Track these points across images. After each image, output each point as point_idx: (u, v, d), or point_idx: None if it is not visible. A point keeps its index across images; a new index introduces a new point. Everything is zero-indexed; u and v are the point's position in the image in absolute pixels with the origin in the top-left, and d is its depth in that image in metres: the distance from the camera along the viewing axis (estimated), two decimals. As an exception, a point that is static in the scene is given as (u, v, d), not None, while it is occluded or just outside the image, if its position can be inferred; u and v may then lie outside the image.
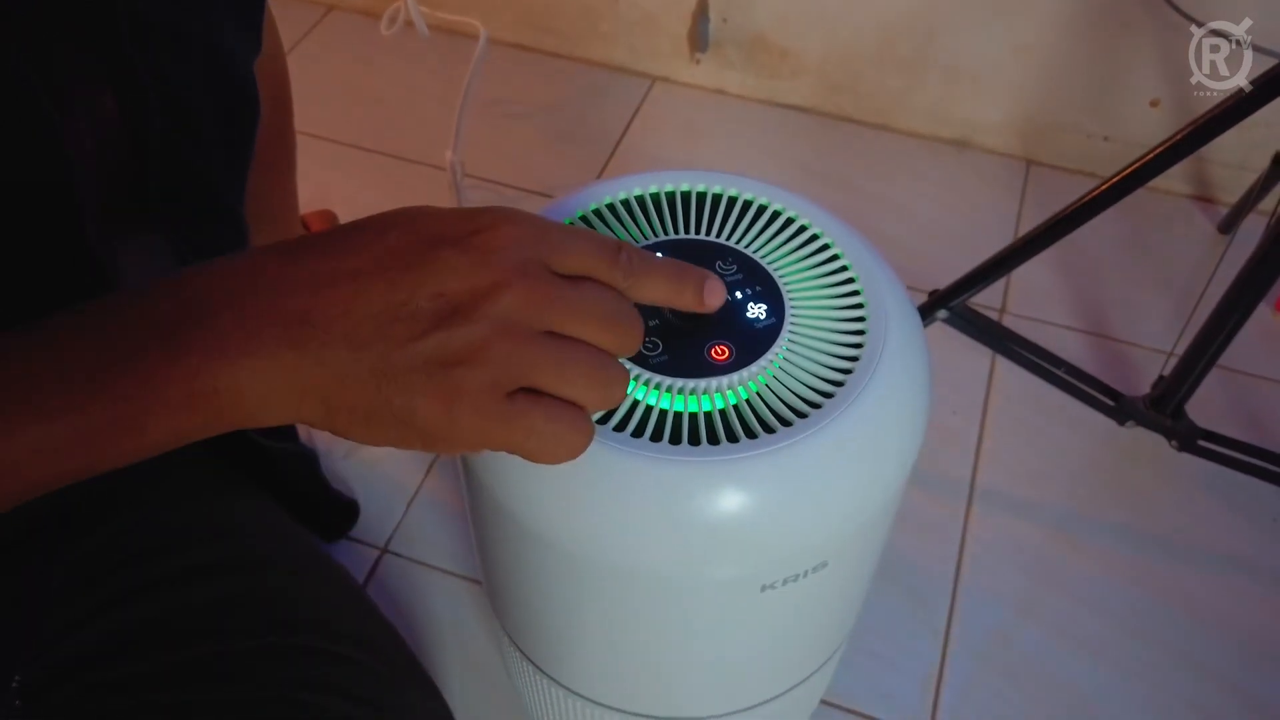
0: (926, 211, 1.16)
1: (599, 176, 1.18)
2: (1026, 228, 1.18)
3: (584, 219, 0.51)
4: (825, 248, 0.50)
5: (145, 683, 0.45)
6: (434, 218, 0.33)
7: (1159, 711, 0.79)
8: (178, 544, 0.52)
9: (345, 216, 1.08)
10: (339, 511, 0.83)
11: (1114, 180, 0.73)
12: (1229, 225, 1.12)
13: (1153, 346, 1.03)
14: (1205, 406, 0.87)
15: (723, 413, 0.43)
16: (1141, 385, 0.99)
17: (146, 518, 0.53)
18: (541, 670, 0.59)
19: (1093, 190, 0.73)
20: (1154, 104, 1.11)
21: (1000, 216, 1.15)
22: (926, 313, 0.79)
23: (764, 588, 0.45)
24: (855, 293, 0.49)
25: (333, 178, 1.16)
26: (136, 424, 0.30)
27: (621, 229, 0.51)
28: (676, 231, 0.51)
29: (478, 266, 0.31)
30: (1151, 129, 1.13)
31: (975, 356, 0.99)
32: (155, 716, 0.44)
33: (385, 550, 0.86)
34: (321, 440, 0.88)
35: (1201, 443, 0.85)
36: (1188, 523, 0.90)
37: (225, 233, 0.58)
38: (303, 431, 0.78)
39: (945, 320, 0.78)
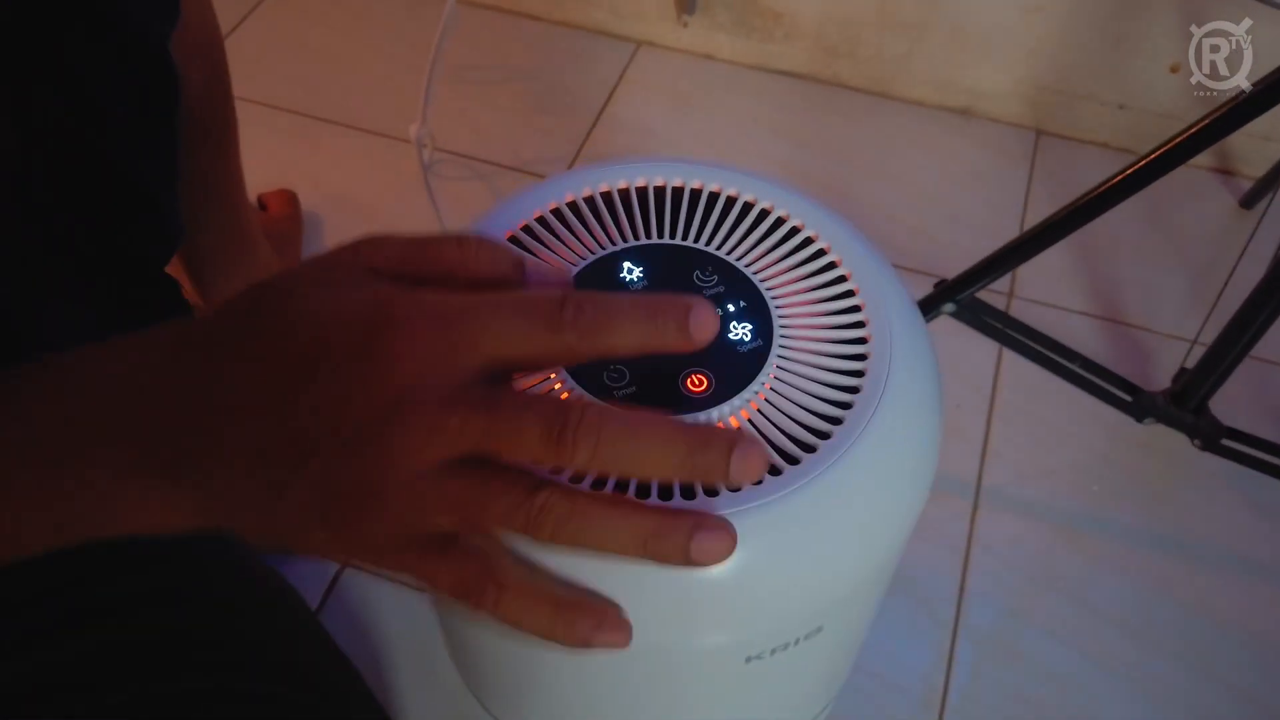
0: (928, 185, 1.09)
1: (580, 149, 1.11)
2: (1036, 202, 1.12)
3: (528, 230, 0.44)
4: (820, 253, 0.44)
5: None
6: (317, 321, 0.28)
7: (1178, 733, 0.74)
8: (114, 567, 0.47)
9: (307, 195, 1.01)
10: None
11: (1154, 156, 0.66)
12: (1252, 200, 1.05)
13: (1170, 333, 0.97)
14: (1229, 399, 0.80)
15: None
16: (1158, 376, 0.93)
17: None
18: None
19: (1128, 169, 0.67)
20: (1174, 69, 1.03)
21: (1008, 190, 1.09)
22: (931, 306, 0.72)
23: (749, 659, 0.39)
24: (855, 308, 0.42)
25: (294, 153, 1.09)
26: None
27: (576, 237, 0.44)
28: (645, 235, 0.44)
29: (368, 388, 0.27)
30: (1171, 96, 1.05)
31: (981, 345, 0.92)
32: None
33: (346, 563, 0.80)
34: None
35: (1226, 442, 0.79)
36: (1208, 525, 0.85)
37: (148, 229, 0.53)
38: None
39: (952, 314, 0.72)
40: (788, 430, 0.38)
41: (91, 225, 0.48)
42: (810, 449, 0.37)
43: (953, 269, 0.78)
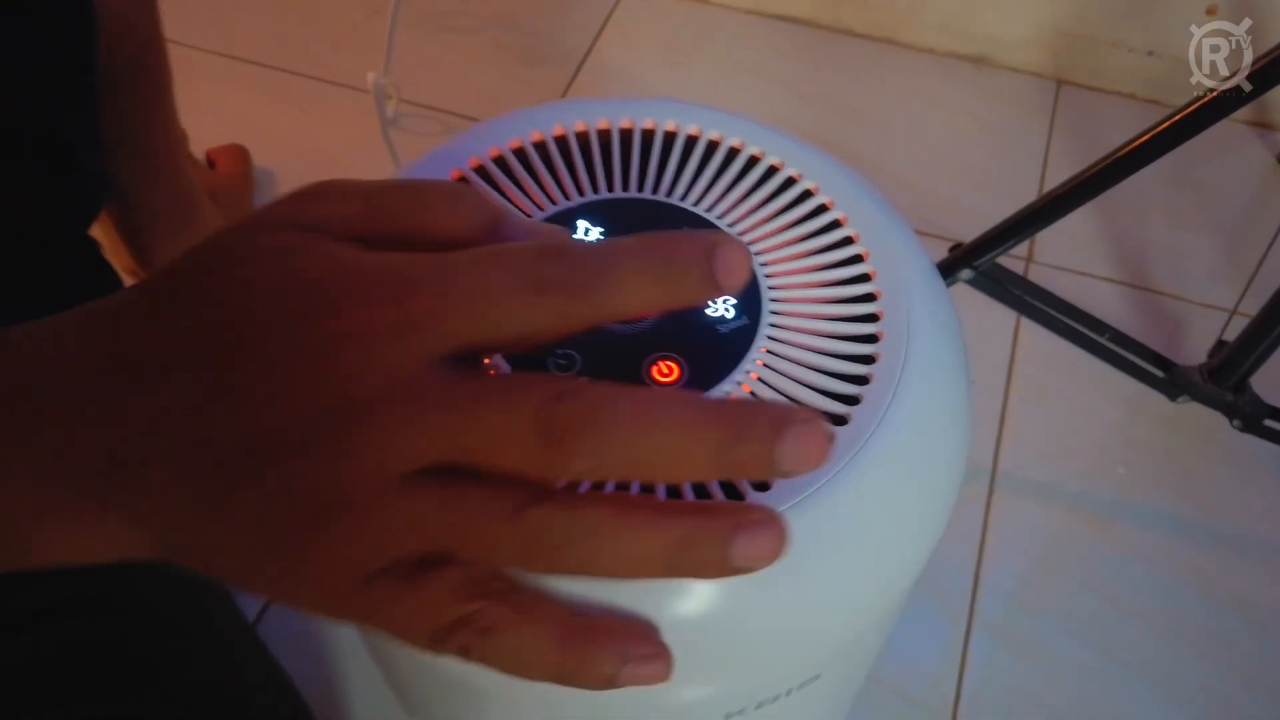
0: (939, 141, 1.01)
1: (561, 99, 1.02)
2: (1056, 159, 1.04)
3: (480, 171, 0.36)
4: (821, 209, 0.36)
5: None
6: (244, 297, 0.23)
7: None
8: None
9: (261, 151, 0.93)
10: None
11: (1190, 110, 0.59)
12: (1292, 155, 0.97)
13: (1204, 301, 0.89)
14: (1269, 373, 0.73)
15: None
16: (1192, 348, 0.85)
17: None
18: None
19: (1162, 123, 0.60)
20: (1211, 10, 0.95)
21: (1026, 145, 1.01)
22: (947, 272, 0.64)
23: (729, 716, 0.31)
24: (864, 277, 0.34)
25: (248, 105, 1.00)
26: None
27: (523, 190, 0.36)
28: (607, 188, 0.36)
29: (308, 382, 0.22)
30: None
31: (997, 313, 0.85)
32: None
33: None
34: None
35: (1269, 423, 0.72)
36: (1245, 512, 0.78)
37: (64, 184, 0.49)
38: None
39: (969, 282, 0.64)
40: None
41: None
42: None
43: (965, 231, 0.70)
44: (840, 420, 0.30)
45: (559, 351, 0.31)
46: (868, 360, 0.31)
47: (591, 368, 0.30)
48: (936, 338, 0.33)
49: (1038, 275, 0.90)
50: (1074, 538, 0.77)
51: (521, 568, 0.21)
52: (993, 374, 0.84)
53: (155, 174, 0.72)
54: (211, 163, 0.90)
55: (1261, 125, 1.02)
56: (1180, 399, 0.74)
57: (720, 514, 0.22)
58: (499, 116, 0.38)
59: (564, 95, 1.03)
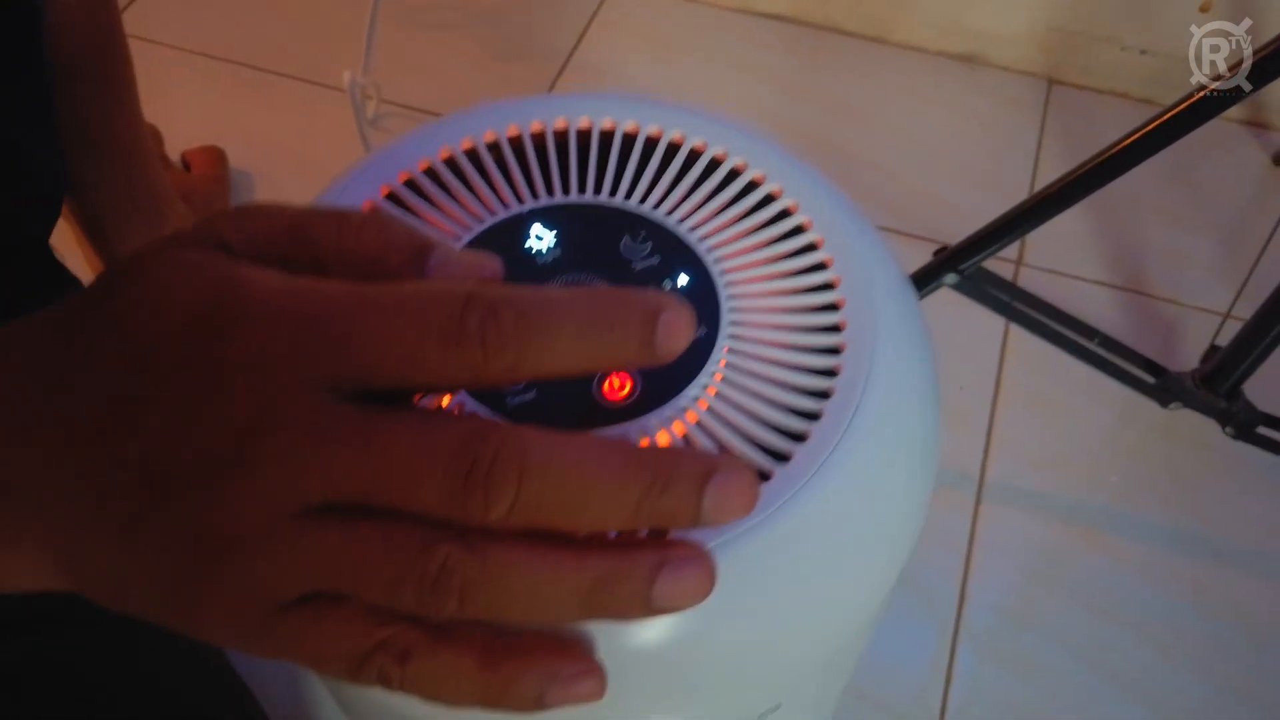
0: (929, 140, 0.99)
1: (544, 100, 1.00)
2: (1048, 158, 1.02)
3: (413, 185, 0.35)
4: (784, 214, 0.34)
5: None
6: (148, 315, 0.22)
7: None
8: None
9: (238, 153, 0.91)
10: None
11: (1182, 107, 0.58)
12: (1288, 156, 0.95)
13: (1197, 305, 0.87)
14: (1264, 378, 0.71)
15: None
16: (1185, 353, 0.84)
17: None
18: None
19: (1154, 121, 0.58)
20: (1205, 8, 0.93)
21: (1017, 145, 0.99)
22: (930, 277, 0.62)
23: (682, 752, 0.29)
24: (828, 285, 0.32)
25: (224, 105, 0.98)
26: None
27: (474, 193, 0.34)
28: (562, 191, 0.34)
29: (202, 413, 0.21)
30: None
31: (985, 318, 0.83)
32: None
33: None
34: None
35: (1263, 430, 0.70)
36: (1240, 522, 0.77)
37: (12, 188, 0.47)
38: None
39: (954, 287, 0.62)
40: (737, 450, 0.28)
41: None
42: (764, 476, 0.28)
43: (955, 233, 0.68)
44: (800, 437, 0.28)
45: (503, 367, 0.29)
46: (830, 373, 0.30)
47: (540, 381, 0.29)
48: (904, 345, 0.32)
49: (1028, 278, 0.89)
50: (1064, 548, 0.75)
51: (429, 611, 0.20)
52: (981, 379, 0.82)
53: (119, 174, 0.71)
54: (187, 164, 0.88)
55: (1257, 125, 1.00)
56: (1173, 406, 0.72)
57: (643, 551, 0.20)
58: (459, 111, 0.37)
59: (550, 92, 1.01)
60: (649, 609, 0.20)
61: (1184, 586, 0.73)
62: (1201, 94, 0.59)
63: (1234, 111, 0.99)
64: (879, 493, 0.30)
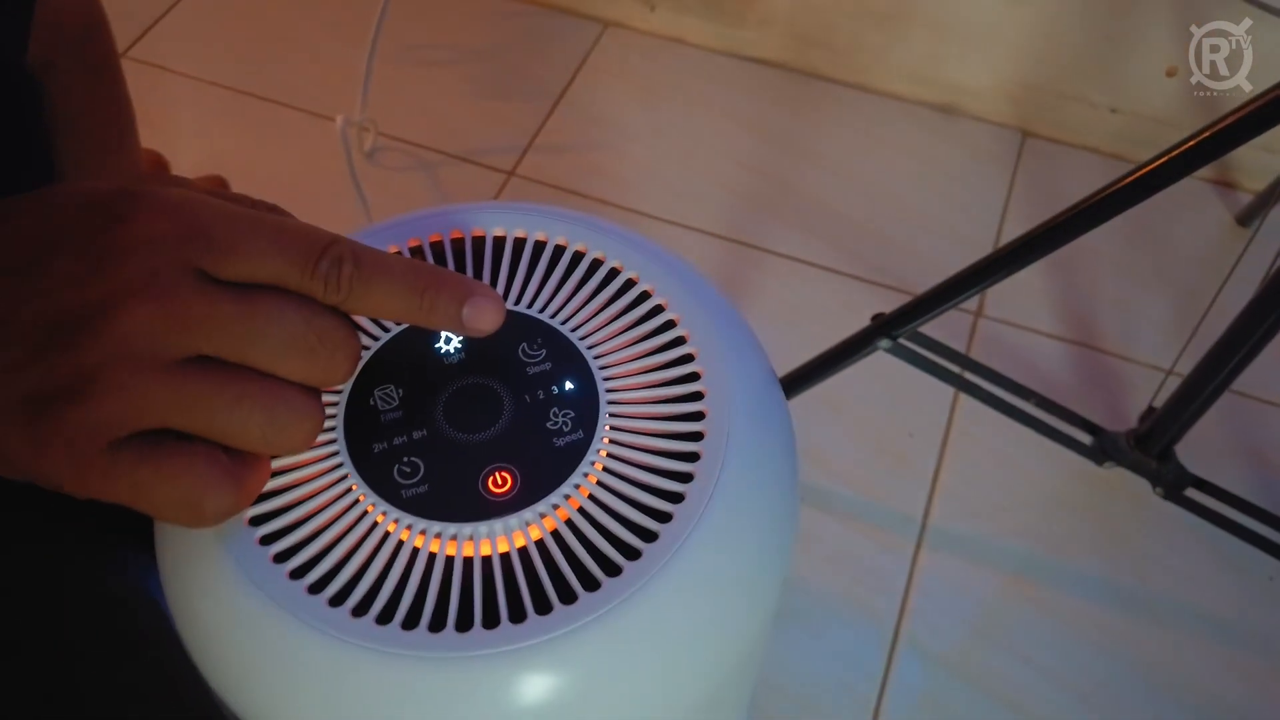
0: (902, 187, 1.02)
1: (534, 137, 1.04)
2: (1016, 208, 1.05)
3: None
4: (657, 311, 0.37)
5: None
6: (63, 207, 0.27)
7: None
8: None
9: (238, 180, 0.95)
10: None
11: (1146, 170, 0.59)
12: (1250, 217, 0.97)
13: (1149, 362, 0.89)
14: (1203, 436, 0.73)
15: (501, 568, 0.32)
16: (1134, 409, 0.86)
17: None
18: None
19: (1115, 184, 0.60)
20: (1170, 72, 0.95)
21: (987, 195, 1.02)
22: (865, 342, 0.65)
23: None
24: (693, 376, 0.36)
25: (227, 135, 1.03)
26: None
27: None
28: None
29: (94, 274, 0.26)
30: (1166, 101, 0.97)
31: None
32: None
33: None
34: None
35: (1191, 493, 0.73)
36: (1168, 577, 0.79)
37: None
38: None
39: (888, 351, 0.65)
40: (596, 545, 0.31)
41: None
42: (614, 573, 0.31)
43: (921, 281, 0.71)
44: (652, 536, 0.32)
45: (405, 459, 0.33)
46: (686, 478, 0.33)
47: (434, 472, 0.32)
48: (759, 441, 0.35)
49: (986, 329, 0.91)
50: (1001, 598, 0.77)
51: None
52: (931, 426, 0.85)
53: (101, 165, 0.72)
54: (188, 192, 0.92)
55: (1224, 184, 1.02)
56: (1107, 465, 0.75)
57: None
58: (395, 218, 0.40)
59: (537, 132, 1.04)
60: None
61: (1112, 639, 0.75)
62: (1162, 160, 0.58)
63: (1203, 170, 1.01)
64: (725, 578, 0.33)
